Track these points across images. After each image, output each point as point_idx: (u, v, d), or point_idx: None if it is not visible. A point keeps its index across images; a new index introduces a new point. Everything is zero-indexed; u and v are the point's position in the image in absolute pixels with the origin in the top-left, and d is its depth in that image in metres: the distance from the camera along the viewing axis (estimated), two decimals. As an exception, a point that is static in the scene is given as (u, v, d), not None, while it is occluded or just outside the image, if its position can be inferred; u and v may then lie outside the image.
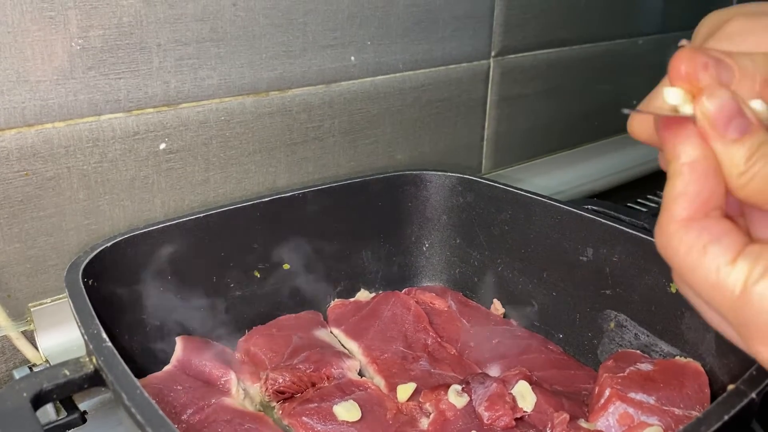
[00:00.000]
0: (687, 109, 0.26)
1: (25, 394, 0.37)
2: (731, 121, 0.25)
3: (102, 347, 0.39)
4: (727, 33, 0.29)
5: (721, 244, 0.26)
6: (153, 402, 0.35)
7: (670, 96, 0.27)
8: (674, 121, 0.27)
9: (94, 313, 0.41)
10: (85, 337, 0.40)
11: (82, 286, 0.44)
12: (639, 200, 0.95)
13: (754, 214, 0.28)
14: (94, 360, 0.39)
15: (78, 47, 0.54)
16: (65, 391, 0.39)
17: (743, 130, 0.25)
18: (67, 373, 0.39)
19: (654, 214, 0.88)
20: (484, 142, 0.87)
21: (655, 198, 0.96)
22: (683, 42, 0.28)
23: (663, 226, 0.27)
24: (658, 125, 0.28)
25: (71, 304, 0.43)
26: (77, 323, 0.41)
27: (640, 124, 0.31)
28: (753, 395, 0.38)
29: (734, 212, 0.29)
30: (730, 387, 0.40)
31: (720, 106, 0.25)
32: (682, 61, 0.26)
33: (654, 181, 1.01)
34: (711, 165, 0.26)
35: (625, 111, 0.29)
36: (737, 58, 0.27)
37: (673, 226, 0.26)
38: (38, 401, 0.38)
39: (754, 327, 0.25)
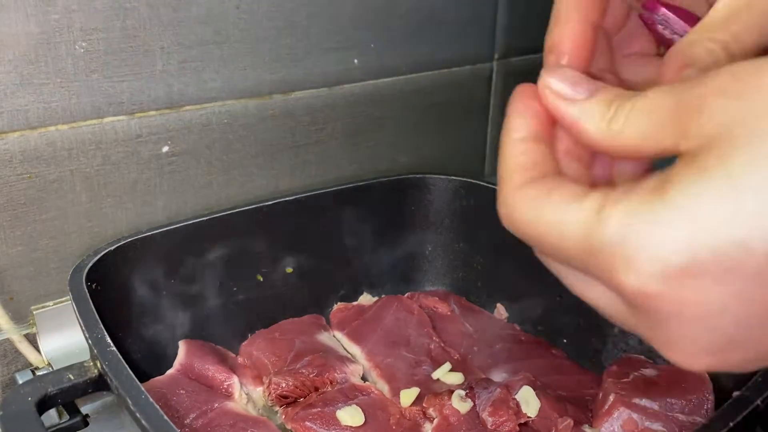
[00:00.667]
0: None
1: (30, 399, 0.37)
2: (577, 86, 0.25)
3: (106, 352, 0.39)
4: None
5: (567, 187, 0.24)
6: (158, 407, 0.35)
7: None
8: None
9: (98, 317, 0.41)
10: (90, 341, 0.40)
11: (86, 290, 0.44)
12: (641, 204, 0.95)
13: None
14: (98, 364, 0.39)
15: (81, 50, 0.54)
16: (70, 395, 0.39)
17: (592, 89, 0.25)
18: (72, 377, 0.39)
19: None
20: (487, 145, 0.87)
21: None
22: None
23: (503, 194, 0.25)
24: None
25: (75, 309, 0.43)
26: (81, 328, 0.41)
27: None
28: (758, 402, 0.38)
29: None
30: (735, 393, 0.40)
31: (562, 77, 0.25)
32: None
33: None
34: (544, 137, 0.26)
35: None
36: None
37: (513, 189, 0.25)
38: (43, 405, 0.38)
39: (613, 255, 0.21)
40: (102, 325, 0.41)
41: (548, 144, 0.26)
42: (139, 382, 0.37)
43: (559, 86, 0.25)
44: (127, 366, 0.38)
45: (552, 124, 0.26)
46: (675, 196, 0.20)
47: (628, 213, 0.21)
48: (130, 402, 0.35)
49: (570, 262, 0.24)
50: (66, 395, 0.39)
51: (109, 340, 0.40)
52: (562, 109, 0.25)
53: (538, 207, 0.24)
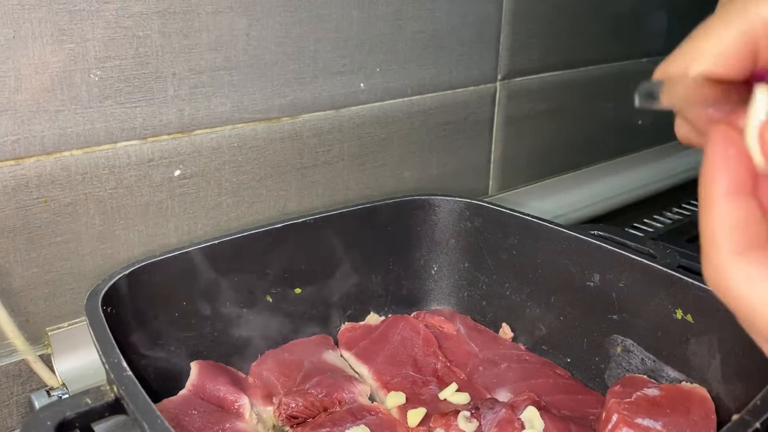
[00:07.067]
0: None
1: (49, 423, 0.38)
2: None
3: (123, 377, 0.40)
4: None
5: None
6: (173, 431, 0.36)
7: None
8: (721, 125, 0.24)
9: (114, 342, 0.42)
10: (106, 366, 0.41)
11: (102, 315, 0.45)
12: (645, 220, 0.96)
13: None
14: (115, 389, 0.40)
15: (96, 78, 0.55)
16: (87, 419, 0.40)
17: None
18: (89, 401, 0.40)
19: (655, 237, 0.89)
20: (491, 164, 0.89)
21: (660, 218, 0.97)
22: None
23: (713, 258, 0.23)
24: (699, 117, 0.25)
25: (92, 334, 0.44)
26: (98, 352, 0.42)
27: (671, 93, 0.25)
28: (757, 425, 0.39)
29: None
30: (735, 416, 0.40)
31: None
32: None
33: (658, 202, 1.02)
34: (750, 187, 0.23)
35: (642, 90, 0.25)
36: None
37: (725, 257, 0.23)
38: (61, 429, 0.39)
39: None
40: (118, 350, 0.42)
41: (756, 194, 0.24)
42: (154, 407, 0.38)
43: None
44: (143, 391, 0.39)
45: (756, 177, 0.23)
46: None
47: None
48: (146, 427, 0.36)
49: None
50: (84, 419, 0.40)
51: (125, 364, 0.41)
52: None
53: (756, 288, 0.22)
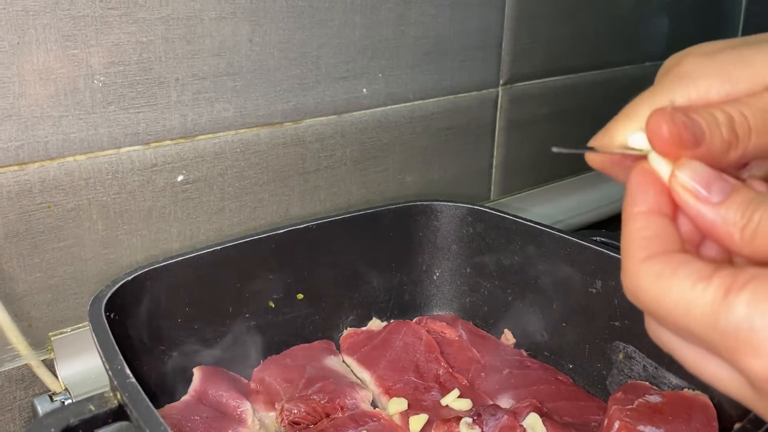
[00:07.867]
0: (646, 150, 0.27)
1: (53, 430, 0.38)
2: (711, 186, 0.25)
3: (126, 383, 0.40)
4: (678, 74, 0.28)
5: (692, 265, 0.24)
6: (177, 439, 0.36)
7: (637, 140, 0.27)
8: (628, 159, 0.27)
9: (117, 349, 0.43)
10: (110, 372, 0.41)
11: (105, 321, 0.45)
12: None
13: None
14: (118, 395, 0.40)
15: (100, 84, 0.55)
16: (90, 426, 0.40)
17: (727, 191, 0.25)
18: (93, 408, 0.40)
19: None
20: (493, 169, 0.89)
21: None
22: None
23: (627, 265, 0.25)
24: (610, 161, 0.29)
25: (95, 340, 0.44)
26: (101, 359, 0.42)
27: (594, 156, 0.30)
28: (759, 433, 0.39)
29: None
30: (737, 425, 0.41)
31: (694, 174, 0.25)
32: (661, 125, 0.25)
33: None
34: (665, 210, 0.26)
35: (559, 150, 0.29)
36: (703, 115, 0.25)
37: (637, 263, 0.25)
38: (65, 436, 0.39)
39: (741, 338, 0.22)
40: (121, 356, 0.42)
41: (670, 217, 0.26)
42: (158, 414, 0.38)
43: (692, 185, 0.25)
44: (146, 398, 0.39)
45: (674, 201, 0.26)
46: None
47: (757, 299, 0.22)
48: (149, 434, 0.36)
49: (693, 339, 0.24)
50: (87, 426, 0.40)
51: (128, 371, 0.41)
52: (696, 209, 0.25)
53: (664, 284, 0.24)
